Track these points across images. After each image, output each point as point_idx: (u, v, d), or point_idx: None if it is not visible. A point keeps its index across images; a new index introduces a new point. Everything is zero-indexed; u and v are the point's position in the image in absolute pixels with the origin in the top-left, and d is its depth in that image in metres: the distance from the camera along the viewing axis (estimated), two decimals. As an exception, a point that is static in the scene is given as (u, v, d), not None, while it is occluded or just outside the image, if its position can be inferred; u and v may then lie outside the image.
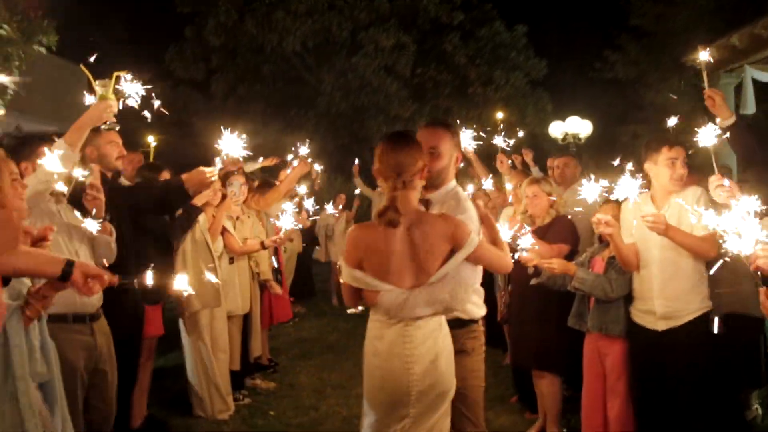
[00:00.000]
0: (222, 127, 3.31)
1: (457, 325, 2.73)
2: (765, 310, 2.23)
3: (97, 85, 3.11)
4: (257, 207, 5.68)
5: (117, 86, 3.09)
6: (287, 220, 5.00)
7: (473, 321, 2.86)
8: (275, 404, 5.16)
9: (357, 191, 10.31)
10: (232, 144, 3.34)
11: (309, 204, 7.21)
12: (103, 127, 3.21)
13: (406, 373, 2.45)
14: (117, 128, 3.30)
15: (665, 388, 3.33)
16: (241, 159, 3.64)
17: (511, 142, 5.59)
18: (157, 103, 3.20)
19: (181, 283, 2.51)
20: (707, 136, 2.98)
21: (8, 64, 5.88)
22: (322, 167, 8.33)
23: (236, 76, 18.28)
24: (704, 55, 3.41)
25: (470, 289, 2.63)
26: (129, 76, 3.09)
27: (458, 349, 2.70)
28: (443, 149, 2.80)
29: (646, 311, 3.39)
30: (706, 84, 3.38)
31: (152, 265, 2.64)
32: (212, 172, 3.42)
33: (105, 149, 3.57)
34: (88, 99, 3.13)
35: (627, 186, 3.05)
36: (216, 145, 3.33)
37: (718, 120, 3.38)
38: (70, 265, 2.16)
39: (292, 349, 6.96)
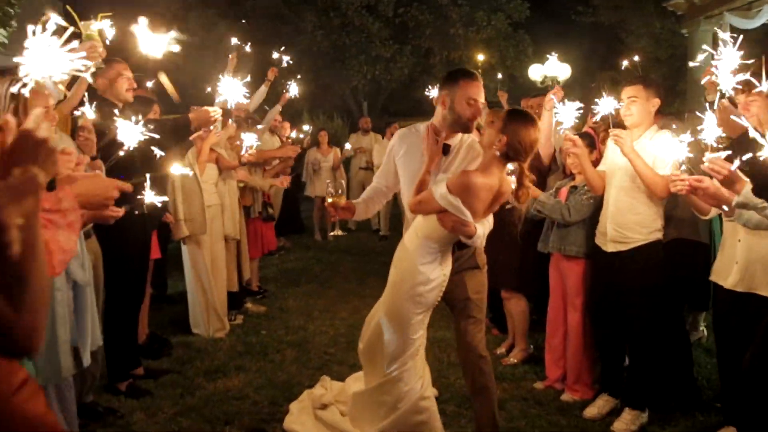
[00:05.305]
0: (221, 75, 3.47)
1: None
2: None
3: (81, 26, 3.23)
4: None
5: (101, 26, 3.20)
6: (249, 137, 5.43)
7: None
8: (266, 325, 5.56)
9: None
10: (233, 88, 3.46)
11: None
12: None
13: None
14: (102, 67, 3.47)
15: (617, 304, 3.71)
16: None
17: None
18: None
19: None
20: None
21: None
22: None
23: (216, 12, 17.99)
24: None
25: None
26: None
27: (473, 265, 3.14)
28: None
29: (602, 233, 3.74)
30: None
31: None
32: (216, 111, 3.69)
33: (116, 81, 3.76)
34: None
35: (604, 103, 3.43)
36: (217, 89, 3.47)
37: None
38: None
39: (279, 279, 7.33)
